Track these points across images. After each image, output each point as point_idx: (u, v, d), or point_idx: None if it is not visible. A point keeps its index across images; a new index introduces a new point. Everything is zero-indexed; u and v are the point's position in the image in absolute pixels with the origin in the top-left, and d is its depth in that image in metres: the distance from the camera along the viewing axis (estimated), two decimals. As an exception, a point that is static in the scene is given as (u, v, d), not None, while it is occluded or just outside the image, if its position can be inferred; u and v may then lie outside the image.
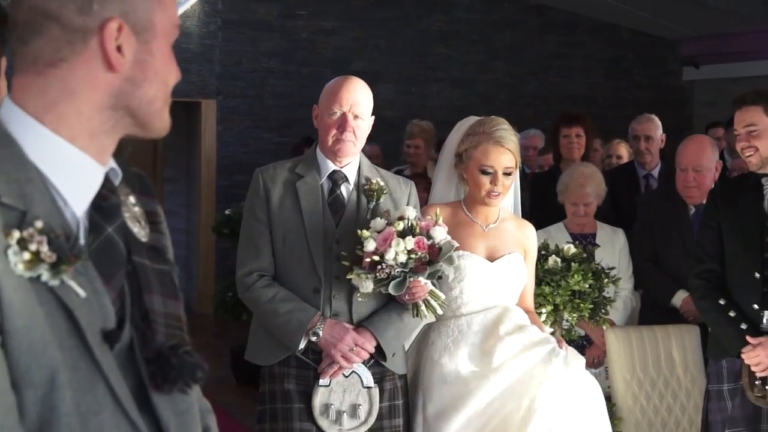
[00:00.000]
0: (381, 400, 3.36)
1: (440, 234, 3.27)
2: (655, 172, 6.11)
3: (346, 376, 3.33)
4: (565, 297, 4.06)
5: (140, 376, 1.40)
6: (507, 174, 3.54)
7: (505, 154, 3.52)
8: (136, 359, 1.40)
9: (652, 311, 4.90)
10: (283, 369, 3.35)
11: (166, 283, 1.48)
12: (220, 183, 10.13)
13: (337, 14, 10.49)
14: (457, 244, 3.30)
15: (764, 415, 3.74)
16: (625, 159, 6.81)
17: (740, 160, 4.96)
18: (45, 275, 1.26)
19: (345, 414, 3.32)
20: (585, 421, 3.34)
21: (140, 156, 10.53)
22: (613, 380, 4.47)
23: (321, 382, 3.32)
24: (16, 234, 1.25)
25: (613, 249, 4.91)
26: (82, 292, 1.30)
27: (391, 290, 3.20)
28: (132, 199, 1.48)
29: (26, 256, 1.25)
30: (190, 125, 10.47)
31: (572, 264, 4.09)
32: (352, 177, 3.42)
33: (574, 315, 4.12)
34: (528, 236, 3.70)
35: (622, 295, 4.86)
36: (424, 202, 3.80)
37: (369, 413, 3.35)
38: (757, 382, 3.73)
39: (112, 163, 1.42)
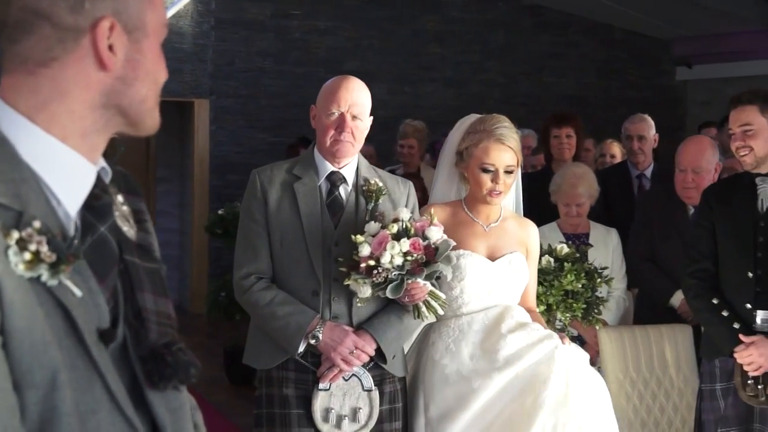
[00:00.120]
0: (381, 403, 3.32)
1: (436, 234, 3.23)
2: (648, 172, 6.12)
3: (346, 380, 3.29)
4: (558, 297, 4.06)
5: (134, 374, 1.40)
6: (508, 172, 3.50)
7: (506, 152, 3.48)
8: (129, 357, 1.40)
9: (650, 311, 4.90)
10: (282, 373, 3.30)
11: (156, 281, 1.49)
12: (213, 183, 10.13)
13: (330, 14, 10.49)
14: (453, 243, 3.27)
15: (757, 414, 3.75)
16: (619, 158, 6.81)
17: (731, 159, 4.96)
18: (45, 275, 1.26)
19: (346, 418, 3.28)
20: (591, 416, 3.31)
21: (133, 156, 10.53)
22: (606, 380, 4.46)
23: (321, 385, 3.27)
24: (15, 234, 1.25)
25: (606, 249, 4.91)
26: (78, 292, 1.30)
27: (388, 294, 3.16)
28: (120, 198, 1.48)
29: (27, 256, 1.25)
30: (183, 125, 10.47)
31: (565, 264, 4.09)
32: (350, 178, 3.37)
33: (567, 315, 4.11)
34: (530, 235, 3.66)
35: (615, 295, 4.86)
36: (418, 203, 3.78)
37: (369, 416, 3.31)
38: (749, 382, 3.73)
39: (103, 162, 1.43)
